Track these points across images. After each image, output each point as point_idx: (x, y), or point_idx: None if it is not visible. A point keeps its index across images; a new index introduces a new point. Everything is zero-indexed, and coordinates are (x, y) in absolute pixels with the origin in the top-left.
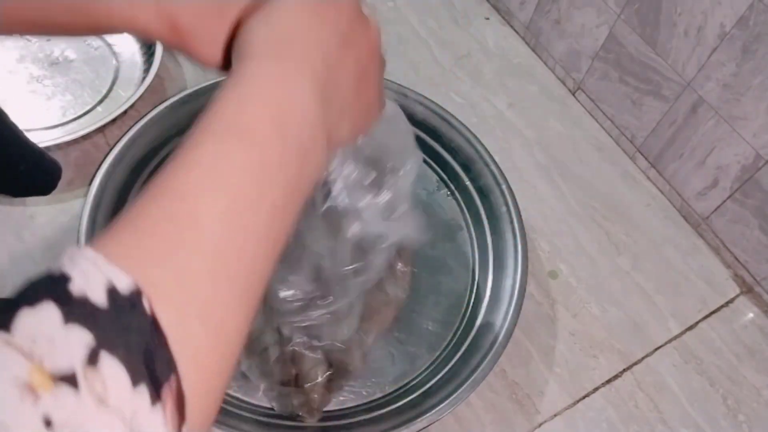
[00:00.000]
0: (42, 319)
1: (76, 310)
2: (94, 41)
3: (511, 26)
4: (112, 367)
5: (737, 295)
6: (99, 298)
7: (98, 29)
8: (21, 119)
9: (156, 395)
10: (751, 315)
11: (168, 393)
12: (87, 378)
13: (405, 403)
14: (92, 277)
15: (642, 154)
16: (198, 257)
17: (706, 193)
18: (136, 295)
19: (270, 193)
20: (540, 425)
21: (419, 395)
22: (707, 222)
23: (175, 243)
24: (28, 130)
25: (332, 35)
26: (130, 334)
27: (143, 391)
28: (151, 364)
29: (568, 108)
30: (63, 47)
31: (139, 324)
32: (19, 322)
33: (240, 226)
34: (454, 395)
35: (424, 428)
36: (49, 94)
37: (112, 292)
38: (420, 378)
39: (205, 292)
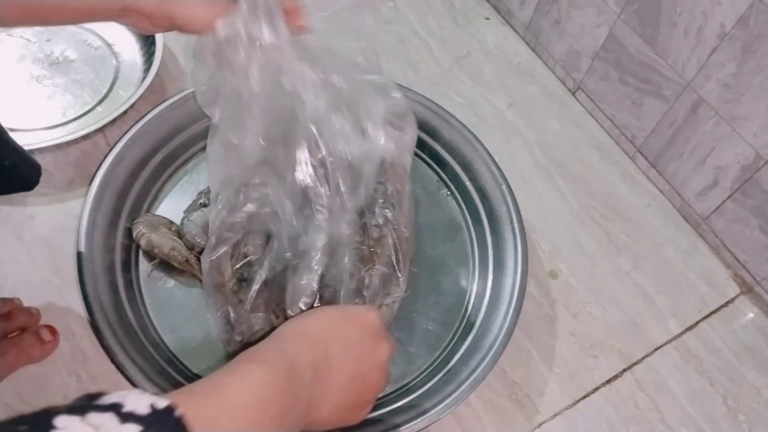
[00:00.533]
0: (105, 417)
1: (128, 416)
2: (94, 41)
3: (511, 26)
4: None
5: (737, 295)
6: (143, 410)
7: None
8: (21, 119)
9: None
10: (751, 315)
11: None
12: None
13: (405, 403)
14: (140, 399)
15: (642, 154)
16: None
17: (706, 193)
18: (171, 407)
19: (267, 416)
20: (540, 425)
21: (419, 395)
22: (707, 222)
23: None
24: (28, 130)
25: (343, 342)
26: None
27: None
28: None
29: (568, 108)
30: (63, 47)
31: (170, 424)
32: (89, 415)
33: None
34: (454, 395)
35: (424, 428)
36: (49, 94)
37: (154, 406)
38: (420, 378)
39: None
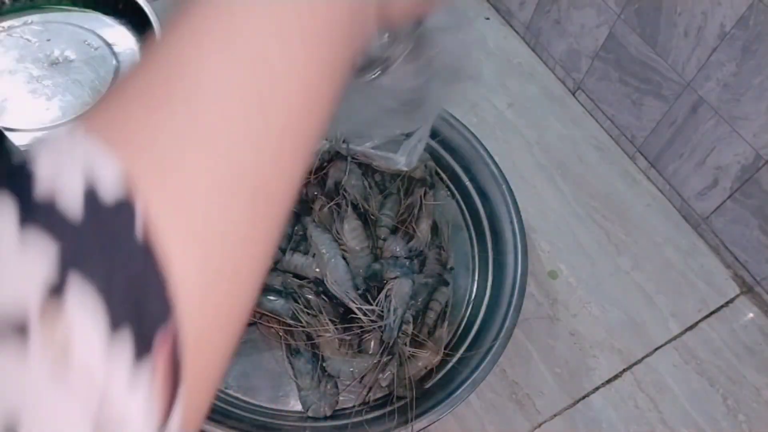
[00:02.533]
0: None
1: (37, 214)
2: (94, 41)
3: (511, 26)
4: (83, 302)
5: (737, 295)
6: (72, 200)
7: None
8: (21, 119)
9: (144, 348)
10: (751, 315)
11: (161, 349)
12: (43, 321)
13: (405, 403)
14: (66, 168)
15: (642, 154)
16: (194, 150)
17: (706, 193)
18: (127, 199)
19: (304, 65)
20: (540, 425)
21: (419, 395)
22: (707, 222)
23: (175, 134)
24: (28, 130)
25: None
26: (114, 253)
27: (125, 342)
28: (141, 303)
29: (568, 108)
30: (63, 47)
31: (127, 241)
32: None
33: (259, 110)
34: (454, 395)
35: (424, 428)
36: (49, 94)
37: (91, 194)
38: (420, 378)
39: (204, 204)
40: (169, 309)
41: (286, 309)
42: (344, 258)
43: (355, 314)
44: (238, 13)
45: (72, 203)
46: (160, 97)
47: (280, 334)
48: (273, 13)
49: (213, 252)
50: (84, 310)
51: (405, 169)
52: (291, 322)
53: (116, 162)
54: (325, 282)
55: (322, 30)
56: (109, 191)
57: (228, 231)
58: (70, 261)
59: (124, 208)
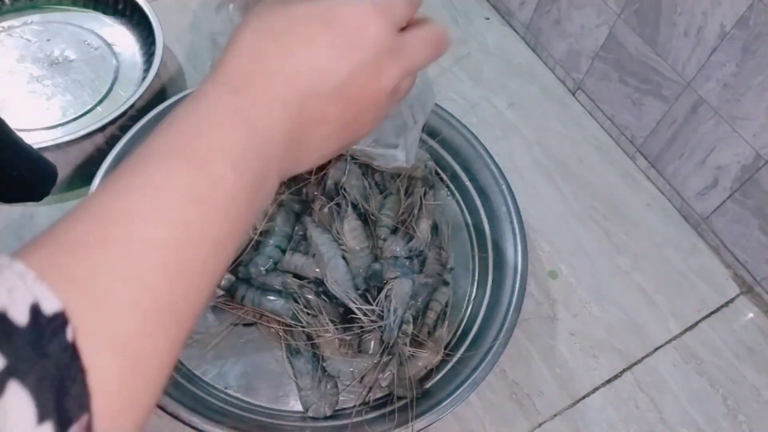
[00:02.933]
0: None
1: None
2: (94, 41)
3: (511, 26)
4: (18, 399)
5: (737, 295)
6: (20, 316)
7: None
8: (21, 119)
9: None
10: (751, 315)
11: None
12: None
13: (405, 403)
14: (17, 292)
15: (642, 154)
16: (122, 285)
17: (706, 193)
18: (61, 320)
19: (214, 227)
20: (540, 425)
21: (420, 395)
22: (707, 222)
23: (99, 267)
24: (28, 130)
25: (329, 79)
26: (46, 361)
27: (48, 429)
28: (63, 398)
29: (568, 108)
30: (63, 47)
31: (58, 352)
32: None
33: (176, 259)
34: (454, 395)
35: (424, 428)
36: (49, 94)
37: (36, 313)
38: (420, 378)
39: (126, 324)
40: (85, 406)
41: (287, 309)
42: (344, 258)
43: (355, 314)
44: (162, 185)
45: (20, 315)
46: (97, 243)
47: (280, 334)
48: (191, 184)
49: (117, 355)
50: (17, 407)
51: (405, 165)
52: (291, 322)
53: (57, 296)
54: (325, 282)
55: (231, 197)
56: (48, 308)
57: (136, 342)
58: (13, 370)
59: (59, 318)
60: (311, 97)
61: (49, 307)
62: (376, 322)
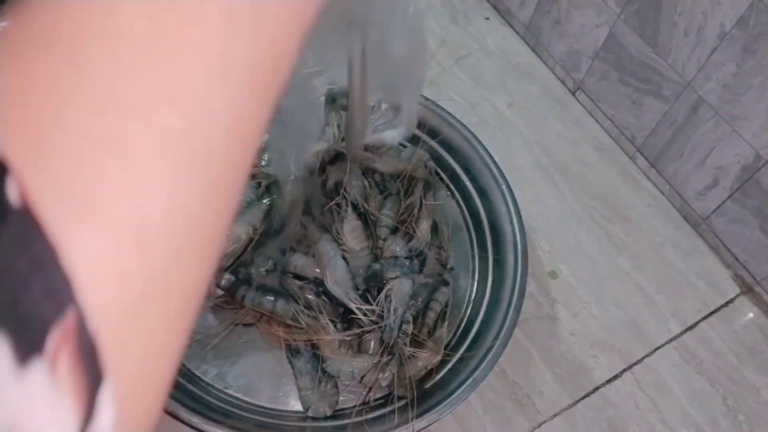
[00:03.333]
0: None
1: None
2: None
3: (511, 26)
4: None
5: (737, 295)
6: None
7: None
8: None
9: (30, 347)
10: (751, 315)
11: (60, 343)
12: None
13: (405, 403)
14: None
15: (642, 154)
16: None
17: (706, 193)
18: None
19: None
20: (540, 425)
21: (420, 395)
22: (707, 222)
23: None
24: None
25: None
26: None
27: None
28: (21, 290)
29: (568, 108)
30: None
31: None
32: None
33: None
34: (454, 395)
35: (424, 428)
36: None
37: None
38: (420, 378)
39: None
40: (65, 294)
41: (287, 310)
42: (344, 258)
43: (355, 314)
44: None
45: None
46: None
47: (280, 334)
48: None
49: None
50: None
51: (405, 140)
52: (291, 323)
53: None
54: (325, 282)
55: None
56: None
57: (148, 228)
58: None
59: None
60: None
61: None
62: (376, 322)
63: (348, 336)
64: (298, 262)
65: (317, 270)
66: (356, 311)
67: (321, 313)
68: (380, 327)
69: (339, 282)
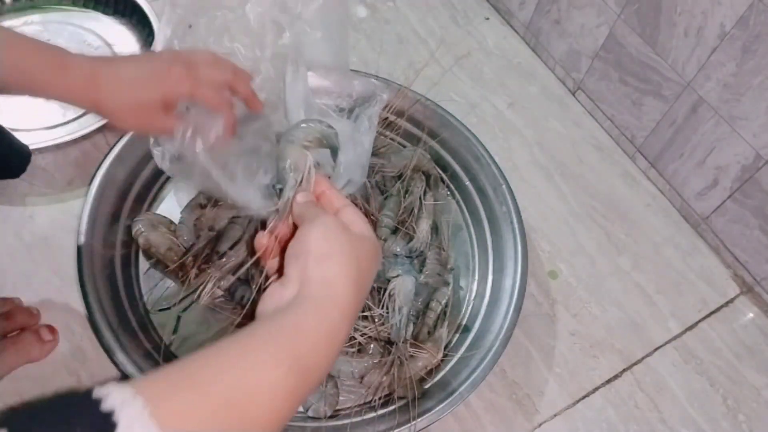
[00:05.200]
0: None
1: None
2: (94, 41)
3: (511, 26)
4: None
5: (737, 295)
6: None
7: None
8: (21, 119)
9: None
10: (751, 315)
11: None
12: None
13: (405, 403)
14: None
15: (642, 154)
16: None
17: (706, 193)
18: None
19: (295, 402)
20: (540, 425)
21: (420, 395)
22: (707, 222)
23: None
24: (28, 130)
25: (370, 281)
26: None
27: None
28: None
29: (568, 108)
30: (63, 47)
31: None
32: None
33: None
34: (454, 395)
35: (424, 428)
36: None
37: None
38: (420, 378)
39: None
40: None
41: None
42: None
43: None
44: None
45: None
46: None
47: None
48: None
49: None
50: None
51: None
52: None
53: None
54: None
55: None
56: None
57: None
58: None
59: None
60: (348, 305)
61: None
62: (384, 324)
63: (351, 347)
64: None
65: None
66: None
67: None
68: (387, 332)
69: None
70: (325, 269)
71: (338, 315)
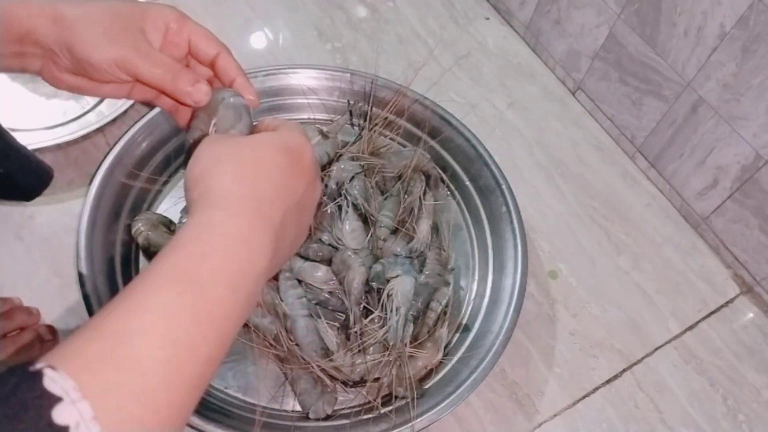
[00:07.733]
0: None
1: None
2: None
3: (511, 26)
4: None
5: (737, 295)
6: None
7: None
8: (22, 119)
9: None
10: (751, 315)
11: None
12: None
13: (405, 403)
14: (71, 415)
15: (642, 154)
16: (133, 403)
17: (706, 193)
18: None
19: (210, 344)
20: (540, 425)
21: (420, 395)
22: (707, 222)
23: (112, 386)
24: (28, 130)
25: (293, 197)
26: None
27: None
28: None
29: (568, 108)
30: None
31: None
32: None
33: (179, 376)
34: (454, 395)
35: (424, 428)
36: (49, 93)
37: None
38: (420, 378)
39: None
40: None
41: (270, 329)
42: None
43: (357, 322)
44: (171, 307)
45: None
46: (112, 362)
47: (266, 348)
48: (195, 307)
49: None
50: None
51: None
52: (271, 342)
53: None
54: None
55: (226, 315)
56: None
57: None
58: None
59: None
60: (286, 211)
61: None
62: (382, 327)
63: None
64: (317, 272)
65: (332, 282)
66: (360, 322)
67: (297, 346)
68: (384, 335)
69: (353, 293)
70: (206, 181)
71: (220, 213)
